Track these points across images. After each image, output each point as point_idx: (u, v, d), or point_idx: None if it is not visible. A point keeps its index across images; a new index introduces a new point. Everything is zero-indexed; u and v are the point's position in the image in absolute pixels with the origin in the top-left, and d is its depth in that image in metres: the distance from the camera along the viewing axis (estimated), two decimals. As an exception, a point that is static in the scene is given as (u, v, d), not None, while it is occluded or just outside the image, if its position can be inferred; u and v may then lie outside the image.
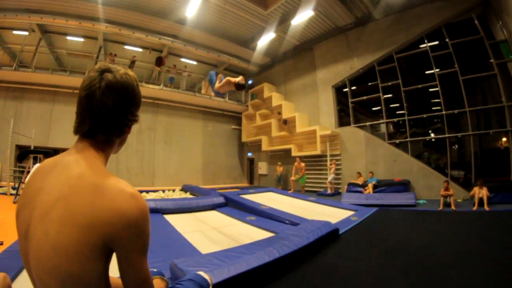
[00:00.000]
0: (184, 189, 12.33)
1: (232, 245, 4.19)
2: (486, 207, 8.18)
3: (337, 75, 14.13)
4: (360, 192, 10.89)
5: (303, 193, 11.79)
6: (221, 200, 8.20)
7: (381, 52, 12.75)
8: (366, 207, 8.64)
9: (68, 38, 13.79)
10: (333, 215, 7.34)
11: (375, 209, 8.48)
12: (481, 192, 8.50)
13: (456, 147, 12.50)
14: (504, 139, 10.76)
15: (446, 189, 8.84)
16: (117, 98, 1.01)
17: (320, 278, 3.47)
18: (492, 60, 10.63)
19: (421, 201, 10.21)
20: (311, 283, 3.30)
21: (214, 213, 7.36)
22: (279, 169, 14.03)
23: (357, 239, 5.36)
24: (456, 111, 11.38)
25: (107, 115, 1.00)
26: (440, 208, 8.62)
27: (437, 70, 11.68)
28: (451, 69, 11.30)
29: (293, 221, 6.01)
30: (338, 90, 14.50)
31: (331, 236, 5.00)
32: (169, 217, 6.44)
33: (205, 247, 4.25)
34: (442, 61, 11.69)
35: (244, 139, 17.50)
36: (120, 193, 0.91)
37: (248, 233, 5.38)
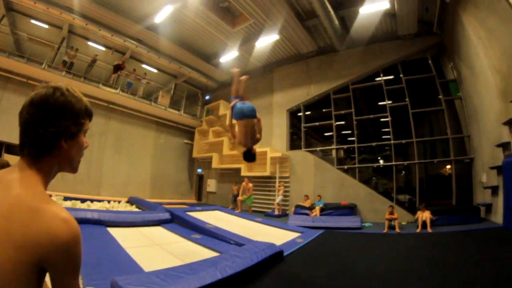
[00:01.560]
0: (131, 201, 11.95)
1: (176, 263, 4.18)
2: (429, 229, 8.55)
3: (293, 100, 14.40)
4: (307, 214, 10.96)
5: (250, 213, 11.72)
6: (166, 216, 8.05)
7: (338, 82, 13.26)
8: (312, 230, 8.74)
9: (33, 21, 12.57)
10: (278, 236, 7.40)
11: (321, 231, 8.60)
12: (424, 215, 8.87)
13: (404, 173, 13.16)
14: (448, 166, 11.60)
15: (391, 213, 9.20)
16: (35, 111, 1.03)
17: None
18: (441, 97, 11.61)
19: (367, 224, 10.46)
20: None
21: (159, 229, 7.24)
22: (235, 188, 13.52)
23: (301, 261, 5.41)
24: (404, 141, 12.08)
25: (28, 130, 1.03)
26: (385, 230, 8.93)
27: (389, 102, 12.35)
28: (402, 102, 12.04)
29: (238, 242, 6.01)
30: (293, 114, 14.78)
31: (275, 258, 5.02)
32: (113, 230, 6.25)
33: (148, 264, 4.17)
34: (394, 94, 12.43)
35: (195, 154, 17.08)
36: (54, 217, 0.95)
37: (193, 251, 5.36)
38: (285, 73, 14.88)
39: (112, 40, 13.17)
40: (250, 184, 11.91)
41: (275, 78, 15.24)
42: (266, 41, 12.54)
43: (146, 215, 7.88)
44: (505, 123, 7.52)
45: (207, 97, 18.00)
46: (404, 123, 11.92)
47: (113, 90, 13.30)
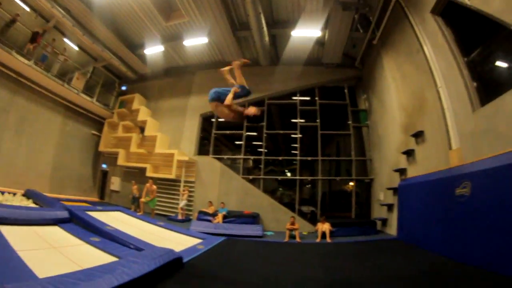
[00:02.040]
0: (27, 194, 10.03)
1: (73, 269, 3.85)
2: (328, 240, 9.08)
3: (208, 105, 13.92)
4: (210, 221, 10.89)
5: (153, 216, 11.18)
6: (65, 214, 7.18)
7: (256, 95, 13.34)
8: (214, 236, 8.76)
9: None
10: (180, 242, 7.29)
11: (223, 238, 8.63)
12: (324, 227, 9.37)
13: (310, 186, 13.80)
14: (351, 183, 12.48)
15: (292, 223, 9.51)
16: None
17: None
18: (350, 122, 12.80)
19: (268, 233, 10.71)
20: None
21: (56, 229, 6.50)
22: (134, 187, 12.52)
23: (201, 268, 5.38)
24: (309, 158, 12.84)
25: None
26: (286, 240, 9.24)
27: (302, 120, 13.06)
28: (313, 122, 12.84)
29: (138, 246, 5.77)
30: (206, 119, 14.60)
31: (174, 265, 4.90)
32: (4, 228, 5.33)
33: (42, 269, 3.73)
34: (307, 114, 13.16)
35: (102, 148, 15.26)
36: None
37: (91, 256, 5.00)
38: (206, 78, 14.50)
39: (39, 2, 10.91)
40: (154, 186, 11.38)
41: (195, 80, 14.86)
42: (195, 42, 12.33)
43: (42, 212, 7.02)
44: (404, 153, 8.75)
45: (123, 88, 16.52)
46: (313, 141, 12.70)
47: (26, 61, 11.14)
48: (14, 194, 9.61)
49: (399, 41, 9.11)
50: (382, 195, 10.63)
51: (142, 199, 11.21)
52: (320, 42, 11.73)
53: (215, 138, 13.75)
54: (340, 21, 10.07)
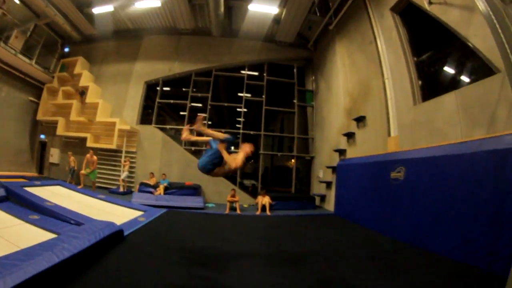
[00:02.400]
0: None
1: (12, 251, 3.60)
2: (268, 212, 9.32)
3: (154, 73, 13.52)
4: (151, 193, 10.66)
5: (94, 189, 10.60)
6: (1, 192, 6.59)
7: (204, 65, 13.20)
8: (156, 208, 8.57)
9: None
10: (121, 214, 7.13)
11: (164, 210, 8.51)
12: (264, 200, 9.59)
13: (251, 160, 13.86)
14: (293, 160, 12.83)
15: (233, 195, 9.62)
16: None
17: (106, 284, 3.35)
18: (295, 101, 12.98)
19: (210, 205, 10.76)
20: None
21: None
22: (71, 159, 11.66)
23: (143, 241, 5.30)
24: (252, 132, 12.86)
25: None
26: (227, 211, 9.34)
27: (248, 95, 12.99)
28: (259, 98, 12.81)
29: (79, 221, 5.55)
30: (150, 87, 13.82)
31: (115, 238, 4.80)
32: None
33: None
34: (254, 89, 13.11)
35: (40, 116, 13.49)
36: None
37: (31, 235, 4.72)
38: (154, 43, 13.79)
39: None
40: (95, 157, 10.73)
41: (143, 45, 13.89)
42: (147, 4, 11.49)
43: None
44: (345, 134, 9.19)
45: (66, 49, 14.78)
46: (258, 116, 12.76)
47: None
48: None
49: (355, 30, 9.40)
50: (321, 172, 11.14)
51: (82, 171, 10.55)
52: (276, 19, 11.58)
53: (159, 107, 13.24)
54: (299, 2, 10.05)
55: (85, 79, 13.13)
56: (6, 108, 12.19)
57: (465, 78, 5.51)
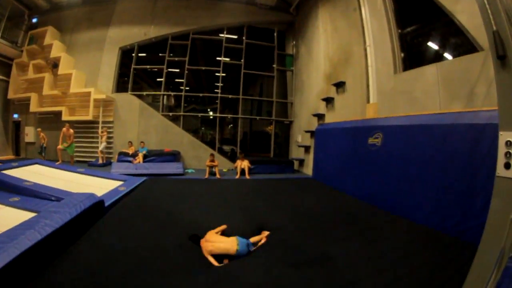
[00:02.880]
0: None
1: None
2: (247, 176, 9.40)
3: (129, 38, 12.85)
4: (130, 162, 10.54)
5: (72, 164, 10.34)
6: None
7: (180, 28, 12.65)
8: (135, 177, 8.48)
9: None
10: (101, 186, 7.03)
11: (144, 178, 8.41)
12: (243, 164, 9.66)
13: (231, 126, 13.84)
14: (271, 126, 12.87)
15: (212, 160, 9.58)
16: None
17: (91, 256, 3.33)
18: (274, 66, 12.75)
19: (189, 170, 10.78)
20: (87, 264, 3.13)
21: None
22: (41, 135, 11.26)
23: (124, 210, 5.28)
24: (230, 96, 12.63)
25: None
26: (206, 176, 9.34)
27: (226, 59, 12.66)
28: (238, 61, 12.47)
29: (59, 197, 5.46)
30: (125, 53, 13.16)
31: (96, 209, 4.78)
32: None
33: None
34: (232, 53, 12.73)
35: (11, 95, 12.80)
36: None
37: (12, 217, 4.55)
38: (128, 7, 12.90)
39: None
40: (71, 131, 10.39)
41: (116, 10, 12.96)
42: None
43: None
44: (324, 99, 9.16)
45: (34, 20, 13.55)
46: (236, 81, 12.52)
47: None
48: None
49: (339, -4, 9.28)
50: (300, 137, 11.25)
51: (60, 146, 10.20)
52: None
53: (135, 74, 12.76)
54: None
55: (56, 49, 12.34)
56: None
57: (447, 54, 5.46)
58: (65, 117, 11.64)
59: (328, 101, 9.12)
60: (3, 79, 12.60)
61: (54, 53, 12.19)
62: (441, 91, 4.90)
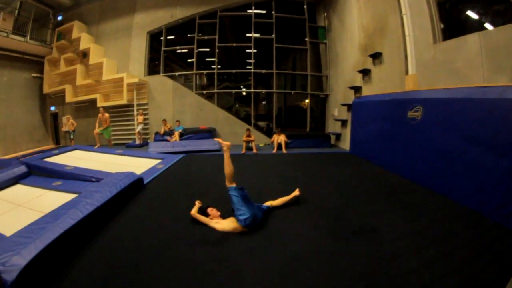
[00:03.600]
0: None
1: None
2: (284, 151, 9.53)
3: (156, 21, 13.16)
4: (167, 140, 10.89)
5: (110, 146, 10.97)
6: (22, 169, 6.64)
7: (207, 7, 12.68)
8: (173, 155, 8.82)
9: None
10: (140, 165, 7.33)
11: (181, 155, 8.77)
12: (279, 138, 9.78)
13: (265, 102, 13.97)
14: (307, 100, 12.77)
15: (248, 135, 9.74)
16: None
17: (130, 230, 3.61)
18: (307, 39, 12.54)
19: None
20: (125, 239, 3.39)
21: (17, 188, 6.05)
22: (69, 122, 11.90)
23: (164, 187, 5.55)
24: (263, 71, 12.67)
25: None
26: (243, 151, 9.51)
27: (257, 35, 12.59)
28: (269, 36, 12.40)
29: (99, 178, 5.70)
30: (154, 37, 13.51)
31: (135, 187, 5.07)
32: None
33: (11, 229, 3.56)
34: (262, 28, 12.63)
35: (47, 89, 13.71)
36: None
37: (56, 200, 4.86)
38: None
39: None
40: (107, 114, 10.78)
41: (141, -5, 13.46)
42: None
43: None
44: (360, 71, 8.96)
45: (59, 18, 14.17)
46: (268, 56, 12.47)
47: None
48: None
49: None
50: (336, 110, 11.13)
51: (96, 131, 10.64)
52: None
53: (165, 57, 13.05)
54: None
55: (85, 41, 12.89)
56: (11, 91, 12.42)
57: (489, 23, 5.13)
58: (100, 103, 12.20)
59: (365, 73, 8.92)
60: (38, 76, 13.62)
61: (83, 45, 12.71)
62: (485, 62, 4.66)
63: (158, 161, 7.85)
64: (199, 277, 2.60)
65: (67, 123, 11.78)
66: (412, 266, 2.67)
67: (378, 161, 7.13)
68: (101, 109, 10.81)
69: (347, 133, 9.79)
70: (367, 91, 8.88)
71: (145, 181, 5.64)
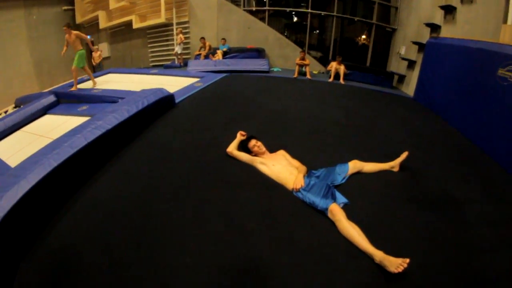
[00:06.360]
0: (18, 103, 9.38)
1: None
2: (342, 81, 9.18)
3: None
4: (208, 58, 10.76)
5: (94, 85, 9.72)
6: (51, 99, 6.96)
7: None
8: (214, 74, 8.67)
9: None
10: (174, 84, 7.26)
11: (224, 75, 8.61)
12: (339, 68, 9.35)
13: (317, 32, 13.43)
14: (363, 36, 12.21)
15: (302, 58, 9.40)
16: None
17: (145, 159, 3.52)
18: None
19: (275, 69, 10.75)
20: (135, 171, 3.28)
21: (45, 118, 6.43)
22: (97, 54, 12.51)
23: (199, 106, 5.39)
24: None
25: None
26: (295, 75, 9.27)
27: None
28: None
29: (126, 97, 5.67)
30: None
31: (164, 104, 4.97)
32: None
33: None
34: None
35: (79, 19, 14.04)
36: None
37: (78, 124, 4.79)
38: None
39: None
40: (75, 33, 8.14)
41: None
42: None
43: (24, 109, 6.56)
44: (442, 7, 7.90)
45: None
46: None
47: None
48: (6, 111, 9.37)
49: None
50: (403, 48, 10.31)
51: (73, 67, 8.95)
52: None
53: None
54: None
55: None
56: (43, 27, 13.10)
57: None
58: (136, 25, 12.30)
59: (448, 10, 7.86)
60: (69, 8, 14.07)
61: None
62: None
63: (197, 79, 7.77)
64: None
65: (95, 56, 12.11)
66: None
67: (449, 118, 6.48)
68: (64, 27, 7.95)
69: (413, 77, 9.08)
70: (447, 32, 7.94)
71: (180, 98, 5.55)
